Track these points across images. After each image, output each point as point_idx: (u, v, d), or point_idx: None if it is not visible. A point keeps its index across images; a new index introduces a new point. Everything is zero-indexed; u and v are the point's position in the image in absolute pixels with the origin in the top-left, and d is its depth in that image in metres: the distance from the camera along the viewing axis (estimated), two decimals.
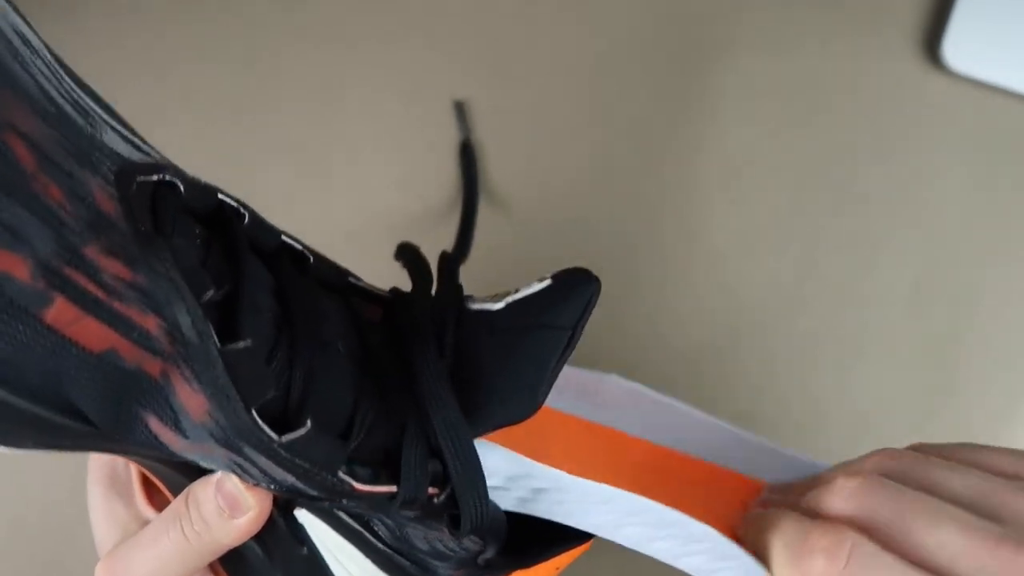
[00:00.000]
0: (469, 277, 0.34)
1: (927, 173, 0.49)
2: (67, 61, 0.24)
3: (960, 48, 0.48)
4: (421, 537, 0.30)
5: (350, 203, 0.48)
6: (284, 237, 0.29)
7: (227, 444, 0.25)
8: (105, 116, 0.24)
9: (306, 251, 0.30)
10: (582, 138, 0.49)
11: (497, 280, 0.41)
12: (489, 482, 0.29)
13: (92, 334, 0.23)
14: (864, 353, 0.47)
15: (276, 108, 0.49)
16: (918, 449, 0.30)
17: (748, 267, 0.47)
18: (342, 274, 0.31)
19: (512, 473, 0.30)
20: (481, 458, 0.28)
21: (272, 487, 0.27)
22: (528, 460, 0.30)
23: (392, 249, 0.33)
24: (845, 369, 0.47)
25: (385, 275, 0.34)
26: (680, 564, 0.31)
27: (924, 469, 0.28)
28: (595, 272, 0.30)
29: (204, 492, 0.27)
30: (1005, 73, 0.48)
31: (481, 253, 0.43)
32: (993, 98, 0.49)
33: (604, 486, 0.30)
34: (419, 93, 0.48)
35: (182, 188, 0.25)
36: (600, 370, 0.39)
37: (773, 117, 0.49)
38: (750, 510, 0.32)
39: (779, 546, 0.27)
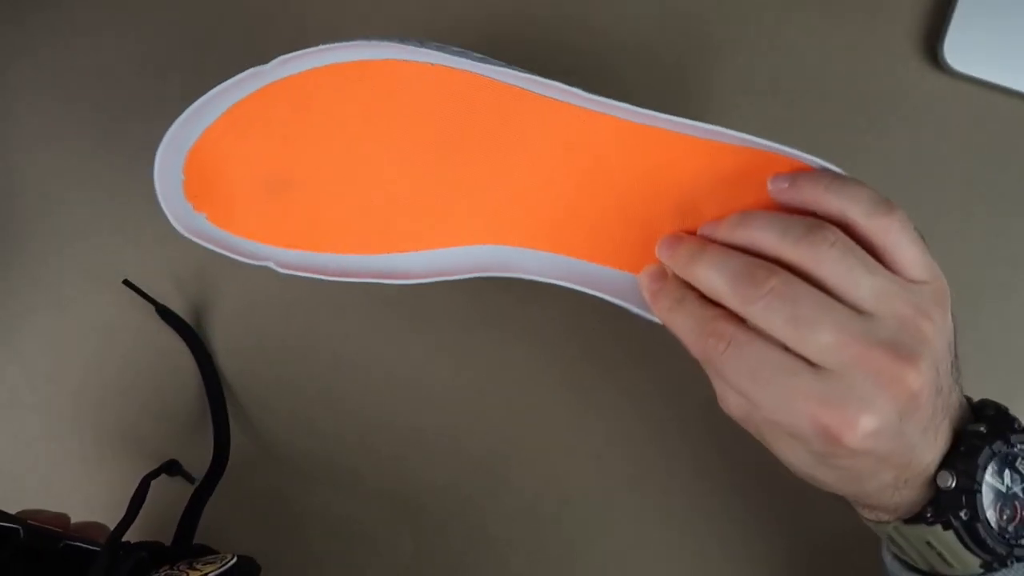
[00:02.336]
0: None
1: (927, 173, 0.49)
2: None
3: (960, 48, 0.48)
4: None
5: None
6: None
7: None
8: None
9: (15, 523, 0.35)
10: None
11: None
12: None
13: None
14: None
15: None
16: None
17: None
18: (56, 538, 0.36)
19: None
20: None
21: None
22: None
23: None
24: None
25: None
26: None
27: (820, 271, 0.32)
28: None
29: None
30: (1005, 73, 0.48)
31: None
32: (993, 98, 0.49)
33: None
34: None
35: None
36: None
37: (773, 117, 0.49)
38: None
39: (687, 327, 0.34)
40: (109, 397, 0.48)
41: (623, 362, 0.48)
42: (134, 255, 0.49)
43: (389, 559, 0.48)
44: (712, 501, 0.48)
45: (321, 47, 0.38)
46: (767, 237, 0.33)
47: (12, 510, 0.38)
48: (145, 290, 0.48)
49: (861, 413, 0.30)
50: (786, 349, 0.31)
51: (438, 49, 0.38)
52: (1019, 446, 0.33)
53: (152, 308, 0.48)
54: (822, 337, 0.31)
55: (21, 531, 0.35)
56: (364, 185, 0.40)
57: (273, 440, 0.48)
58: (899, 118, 0.49)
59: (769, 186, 0.35)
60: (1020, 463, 0.33)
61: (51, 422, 0.48)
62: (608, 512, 0.48)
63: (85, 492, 0.48)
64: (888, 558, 0.37)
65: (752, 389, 0.32)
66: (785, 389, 0.31)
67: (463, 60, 0.38)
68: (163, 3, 0.50)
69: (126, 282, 0.48)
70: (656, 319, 0.37)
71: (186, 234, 0.40)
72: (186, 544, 0.44)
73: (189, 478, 0.47)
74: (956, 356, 0.34)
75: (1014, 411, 0.39)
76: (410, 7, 0.49)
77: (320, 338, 0.49)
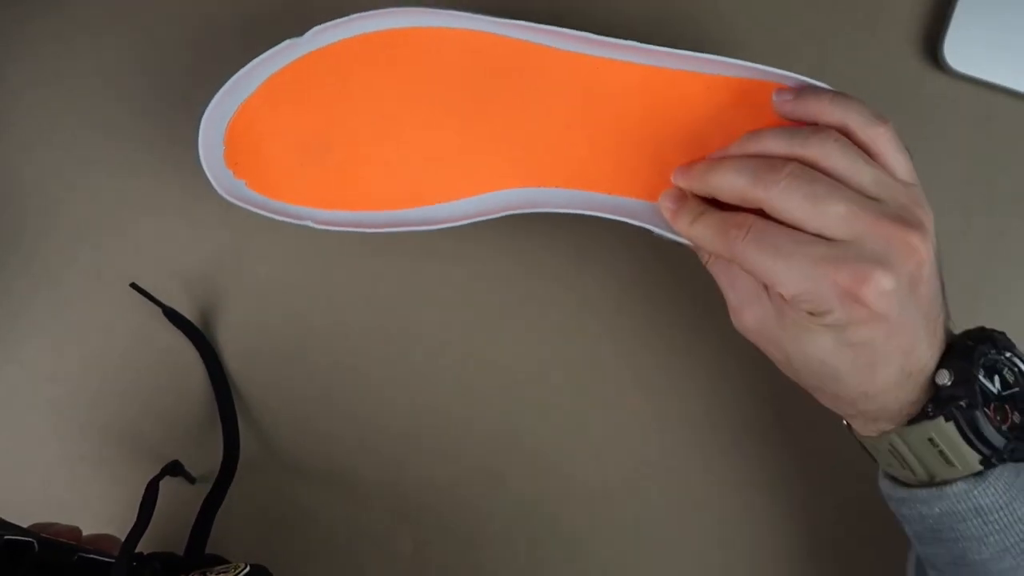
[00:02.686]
0: None
1: (927, 173, 0.49)
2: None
3: (960, 48, 0.48)
4: None
5: None
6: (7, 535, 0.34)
7: None
8: None
9: (30, 537, 0.35)
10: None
11: None
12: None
13: None
14: None
15: None
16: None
17: None
18: (70, 551, 0.36)
19: None
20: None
21: None
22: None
23: None
24: None
25: None
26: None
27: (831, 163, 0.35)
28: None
29: None
30: (1005, 73, 0.48)
31: None
32: (993, 98, 0.49)
33: None
34: None
35: None
36: None
37: None
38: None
39: (709, 232, 0.37)
40: (110, 397, 0.48)
41: (623, 362, 0.48)
42: (136, 255, 0.49)
43: (389, 559, 0.48)
44: (712, 500, 0.48)
45: (353, 16, 0.41)
46: (776, 143, 0.37)
47: (13, 511, 0.38)
48: (148, 290, 0.48)
49: (876, 269, 0.33)
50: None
51: (458, 12, 0.42)
52: (1006, 353, 0.36)
53: (155, 308, 0.48)
54: (837, 208, 0.34)
55: (36, 544, 0.35)
56: (396, 145, 0.43)
57: (273, 441, 0.48)
58: (899, 118, 0.49)
59: (774, 98, 0.39)
60: (1007, 372, 0.36)
61: (51, 422, 0.48)
62: (608, 512, 0.48)
63: (85, 492, 0.48)
64: (885, 484, 0.39)
65: (774, 265, 0.34)
66: (806, 258, 0.34)
67: (482, 21, 0.42)
68: (163, 2, 0.50)
69: (133, 285, 0.47)
70: (677, 238, 0.40)
71: (228, 199, 0.42)
72: (198, 554, 0.44)
73: (190, 478, 0.47)
74: (941, 270, 0.37)
75: None
76: None
77: (321, 340, 0.49)
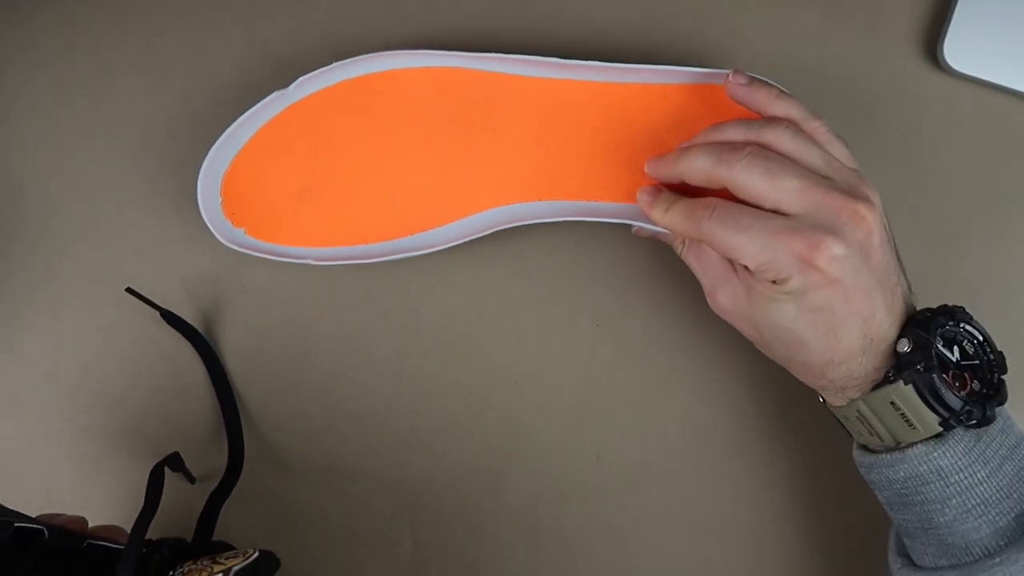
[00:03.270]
0: None
1: (927, 173, 0.49)
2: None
3: (960, 48, 0.48)
4: None
5: None
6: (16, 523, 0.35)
7: None
8: None
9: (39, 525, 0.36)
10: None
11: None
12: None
13: None
14: None
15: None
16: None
17: None
18: (79, 538, 0.37)
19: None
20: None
21: None
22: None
23: None
24: None
25: None
26: None
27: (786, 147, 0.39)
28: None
29: None
30: (1005, 73, 0.48)
31: None
32: (993, 98, 0.49)
33: None
34: None
35: None
36: None
37: None
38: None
39: (681, 218, 0.41)
40: (111, 398, 0.48)
41: (622, 363, 0.49)
42: (136, 256, 0.49)
43: (389, 559, 0.48)
44: (712, 500, 0.48)
45: (334, 65, 0.44)
46: (736, 131, 0.40)
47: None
48: (147, 291, 0.48)
49: (827, 236, 0.36)
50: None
51: (427, 51, 0.45)
52: (963, 325, 0.39)
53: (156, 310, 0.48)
54: (791, 183, 0.37)
55: (45, 531, 0.36)
56: (383, 180, 0.45)
57: (273, 441, 0.48)
58: (899, 118, 0.49)
59: (729, 79, 0.42)
60: (966, 344, 0.39)
61: (51, 422, 0.48)
62: (608, 512, 0.48)
63: (86, 492, 0.48)
64: (856, 453, 0.41)
65: (737, 239, 0.38)
66: (765, 230, 0.37)
67: (449, 57, 0.45)
68: (163, 3, 0.50)
69: (129, 290, 0.47)
70: (654, 228, 0.43)
71: (231, 247, 0.45)
72: (206, 541, 0.45)
73: (190, 477, 0.47)
74: (897, 247, 0.40)
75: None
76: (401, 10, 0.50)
77: (321, 340, 0.49)
